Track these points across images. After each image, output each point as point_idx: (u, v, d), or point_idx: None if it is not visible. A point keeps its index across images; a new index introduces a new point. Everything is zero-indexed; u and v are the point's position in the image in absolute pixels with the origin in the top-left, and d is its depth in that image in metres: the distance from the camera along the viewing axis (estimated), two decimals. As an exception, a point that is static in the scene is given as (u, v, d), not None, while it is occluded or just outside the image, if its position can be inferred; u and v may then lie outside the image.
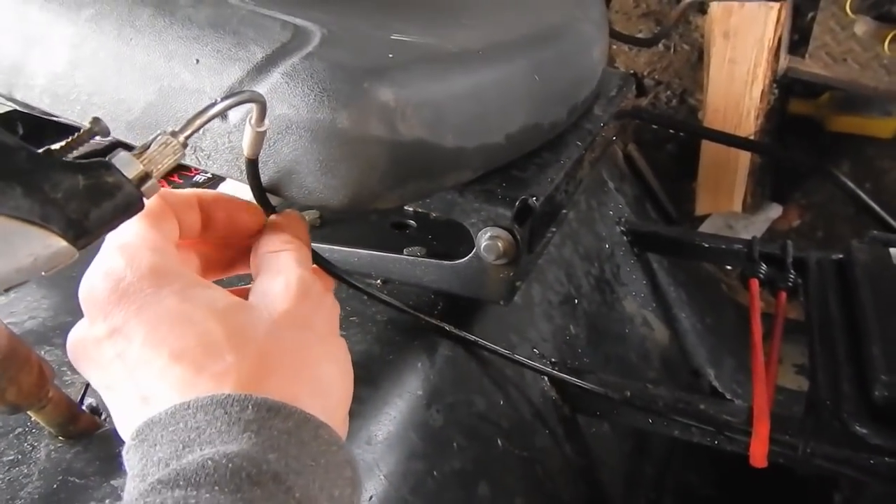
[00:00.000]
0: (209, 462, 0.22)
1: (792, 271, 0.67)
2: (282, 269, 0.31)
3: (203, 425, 0.24)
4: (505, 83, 0.42)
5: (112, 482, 0.33)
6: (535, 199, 0.42)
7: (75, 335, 0.28)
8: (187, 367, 0.25)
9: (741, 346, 0.79)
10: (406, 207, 0.57)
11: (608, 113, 0.61)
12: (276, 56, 0.35)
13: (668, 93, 1.98)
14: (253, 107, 0.30)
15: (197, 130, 0.26)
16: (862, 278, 0.57)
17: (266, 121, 0.31)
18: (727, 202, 1.64)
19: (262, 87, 0.34)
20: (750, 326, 0.56)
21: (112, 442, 0.35)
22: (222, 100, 0.27)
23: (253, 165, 0.34)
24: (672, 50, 1.91)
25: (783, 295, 0.64)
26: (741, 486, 0.58)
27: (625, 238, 0.73)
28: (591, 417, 0.52)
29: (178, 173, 0.69)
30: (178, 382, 0.25)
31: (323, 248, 0.48)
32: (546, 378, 0.48)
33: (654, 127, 1.88)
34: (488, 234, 0.41)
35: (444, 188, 0.40)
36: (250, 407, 0.24)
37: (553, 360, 0.50)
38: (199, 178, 0.69)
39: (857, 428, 0.44)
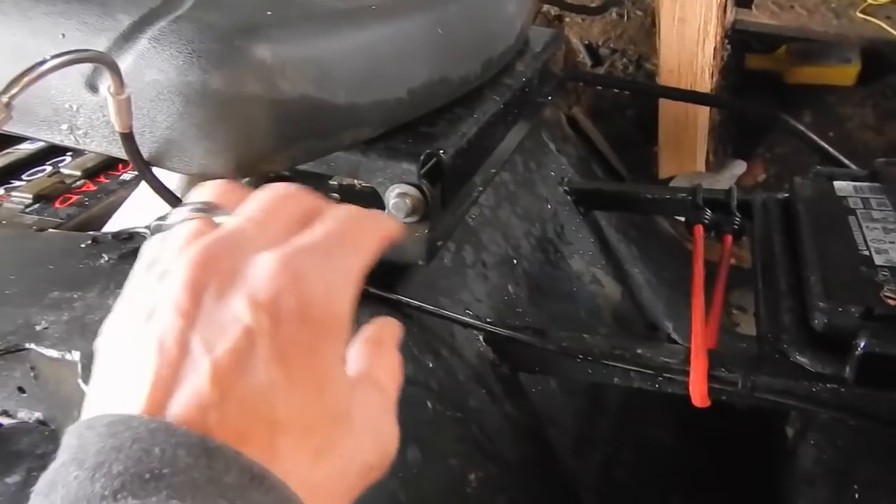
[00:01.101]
0: None
1: (737, 215, 0.66)
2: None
3: (181, 468, 0.21)
4: (402, 38, 0.41)
5: (6, 480, 0.31)
6: (443, 153, 0.41)
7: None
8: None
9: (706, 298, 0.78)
10: (331, 181, 0.56)
11: (532, 69, 0.60)
12: (143, 22, 0.33)
13: (625, 60, 1.97)
14: (108, 74, 0.29)
15: (23, 90, 0.25)
16: (803, 211, 0.56)
17: (126, 88, 0.29)
18: (690, 162, 1.63)
19: (129, 56, 0.33)
20: (692, 270, 0.55)
21: (6, 441, 0.33)
22: (54, 57, 0.26)
23: (128, 139, 0.32)
24: (625, 17, 1.90)
25: (728, 238, 0.64)
26: (699, 434, 0.57)
27: (568, 198, 0.71)
28: (534, 376, 0.51)
29: (105, 173, 0.67)
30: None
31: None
32: (481, 338, 0.47)
33: (613, 93, 1.87)
34: (395, 191, 0.40)
35: (343, 147, 0.39)
36: (234, 470, 0.22)
37: (489, 319, 0.49)
38: (126, 176, 0.67)
39: (798, 357, 0.43)
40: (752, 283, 0.55)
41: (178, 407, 0.22)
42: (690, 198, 0.68)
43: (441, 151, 0.41)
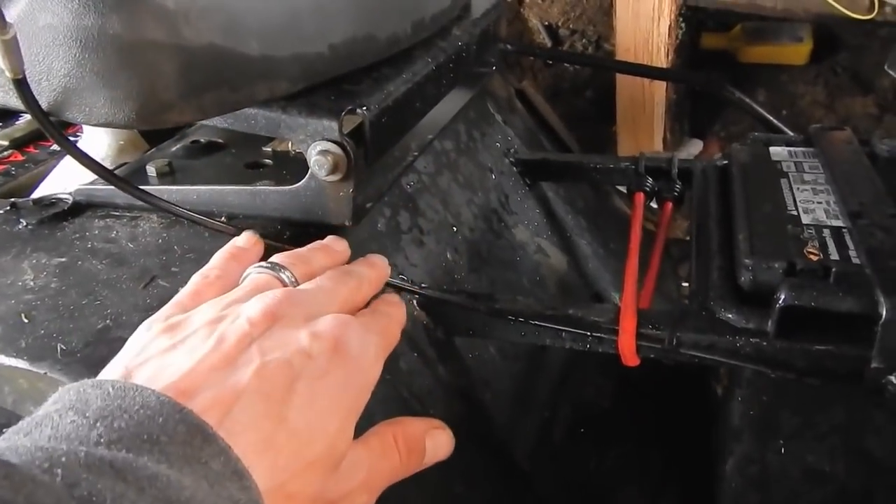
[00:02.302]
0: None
1: (678, 182, 0.66)
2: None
3: (177, 441, 0.23)
4: (322, -10, 0.40)
5: None
6: (366, 110, 0.40)
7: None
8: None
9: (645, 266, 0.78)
10: (265, 147, 0.55)
11: (470, 34, 0.59)
12: (38, -35, 0.32)
13: (584, 41, 1.98)
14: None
15: None
16: (738, 175, 0.57)
17: (11, 27, 0.28)
18: (647, 142, 1.65)
19: (19, 1, 0.31)
20: (629, 234, 0.55)
21: None
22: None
23: (22, 86, 0.31)
24: (584, -2, 1.91)
25: (668, 205, 0.64)
26: (636, 395, 0.57)
27: (514, 169, 0.71)
28: (473, 342, 0.51)
29: (35, 143, 0.65)
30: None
31: (162, 189, 0.45)
32: (415, 301, 0.47)
33: (572, 74, 1.88)
34: (317, 148, 0.39)
35: (257, 100, 0.38)
36: (221, 459, 0.24)
37: (423, 284, 0.48)
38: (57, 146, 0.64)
39: (723, 313, 0.43)
40: (689, 249, 0.55)
41: (209, 393, 0.25)
42: (633, 166, 0.68)
43: (364, 108, 0.40)
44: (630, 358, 0.43)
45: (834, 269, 0.42)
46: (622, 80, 1.63)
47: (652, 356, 0.44)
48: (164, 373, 0.26)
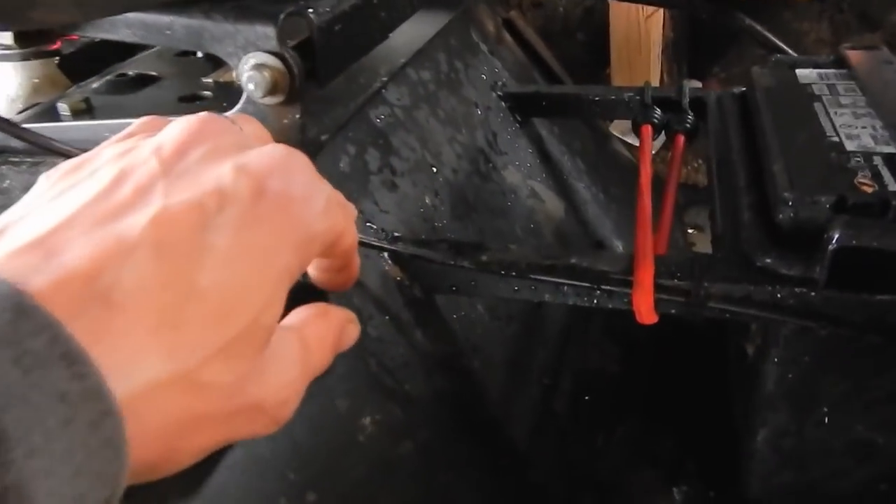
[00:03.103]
0: None
1: (689, 113, 0.58)
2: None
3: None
4: None
5: None
6: (312, 13, 0.32)
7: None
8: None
9: (655, 210, 0.70)
10: (204, 78, 0.46)
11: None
12: None
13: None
14: None
15: None
16: (763, 101, 0.48)
17: None
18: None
19: None
20: (640, 172, 0.47)
21: None
22: None
23: None
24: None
25: (680, 138, 0.56)
26: (648, 358, 0.50)
27: (503, 104, 0.63)
28: (457, 301, 0.43)
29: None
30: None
31: (67, 126, 0.37)
32: (386, 255, 0.39)
33: (563, 15, 1.77)
34: (250, 62, 0.30)
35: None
36: (44, 337, 0.17)
37: (396, 233, 0.40)
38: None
39: (761, 258, 0.35)
40: (708, 188, 0.48)
41: (82, 250, 0.19)
42: (638, 97, 0.60)
43: (311, 11, 0.32)
44: (647, 314, 0.36)
45: (894, 202, 0.35)
46: (616, 19, 1.52)
47: (673, 312, 0.36)
48: (34, 228, 0.20)
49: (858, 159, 0.40)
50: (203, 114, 0.24)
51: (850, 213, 0.35)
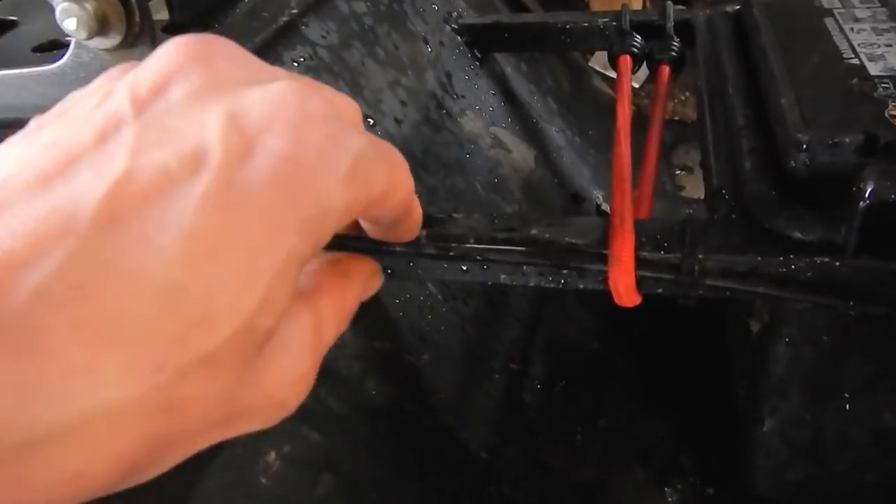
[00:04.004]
0: None
1: (675, 39, 0.50)
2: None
3: None
4: None
5: None
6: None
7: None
8: None
9: (637, 158, 0.62)
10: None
11: None
12: None
13: None
14: None
15: None
16: (762, 17, 0.40)
17: None
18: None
19: None
20: (616, 113, 0.39)
21: None
22: None
23: None
24: None
25: (665, 69, 0.48)
26: (634, 335, 0.43)
27: (459, 38, 0.54)
28: (402, 282, 0.36)
29: None
30: None
31: None
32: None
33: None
34: (67, -10, 0.22)
35: None
36: None
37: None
38: None
39: (769, 219, 0.28)
40: (699, 129, 0.40)
41: (11, 231, 0.14)
42: (615, 23, 0.52)
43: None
44: (627, 296, 0.29)
45: (937, 140, 0.27)
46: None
47: (660, 291, 0.29)
48: None
49: (887, 85, 0.32)
50: (201, 36, 0.18)
51: (881, 156, 0.28)
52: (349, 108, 0.19)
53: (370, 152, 0.18)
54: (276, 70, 0.19)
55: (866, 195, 0.25)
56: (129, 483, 0.16)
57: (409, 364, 0.33)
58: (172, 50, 0.17)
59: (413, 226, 0.25)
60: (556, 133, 0.58)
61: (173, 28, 0.35)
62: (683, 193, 0.79)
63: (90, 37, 0.22)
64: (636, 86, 1.31)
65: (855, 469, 0.34)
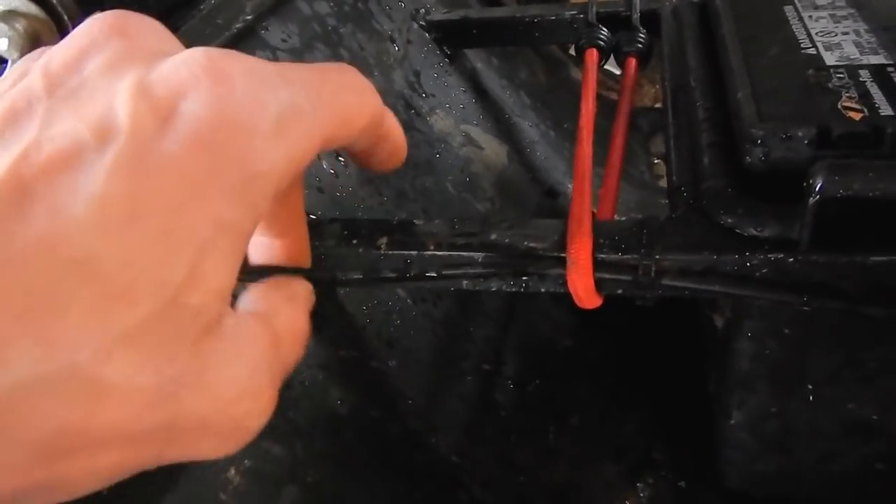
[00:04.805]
0: None
1: (642, 30, 0.50)
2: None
3: None
4: None
5: None
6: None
7: None
8: None
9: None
10: None
11: None
12: None
13: None
14: None
15: None
16: (724, 8, 0.40)
17: None
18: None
19: None
20: (580, 107, 0.39)
21: None
22: None
23: None
24: None
25: (631, 61, 0.48)
26: (607, 329, 0.43)
27: (427, 35, 0.53)
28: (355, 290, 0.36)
29: None
30: None
31: None
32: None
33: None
34: (-1, 10, 0.22)
35: None
36: None
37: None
38: None
39: (724, 217, 0.28)
40: (663, 123, 0.40)
41: None
42: (582, 16, 0.51)
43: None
44: (587, 298, 0.29)
45: (890, 131, 0.27)
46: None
47: (620, 292, 0.29)
48: None
49: (842, 76, 0.32)
50: (119, 11, 0.18)
51: (835, 148, 0.28)
52: (267, 67, 0.18)
53: (302, 102, 0.18)
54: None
55: (816, 190, 0.25)
56: (51, 497, 0.15)
57: (376, 370, 0.33)
58: (88, 25, 0.17)
59: (393, 151, 0.24)
60: (529, 127, 0.58)
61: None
62: (662, 183, 0.79)
63: (22, 56, 0.22)
64: (618, 73, 1.31)
65: (824, 460, 0.34)
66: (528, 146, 0.57)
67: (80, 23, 0.24)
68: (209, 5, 0.35)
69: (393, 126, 0.23)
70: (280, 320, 0.20)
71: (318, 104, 0.19)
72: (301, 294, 0.22)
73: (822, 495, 0.35)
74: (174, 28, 0.34)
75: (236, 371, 0.17)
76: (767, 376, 0.32)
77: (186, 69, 0.16)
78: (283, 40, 0.41)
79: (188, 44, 0.19)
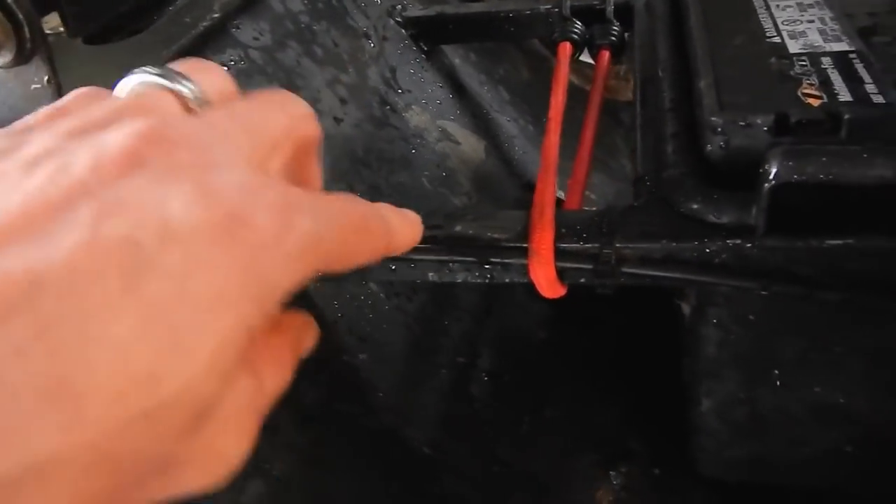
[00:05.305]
0: None
1: (615, 23, 0.50)
2: None
3: None
4: None
5: None
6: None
7: None
8: None
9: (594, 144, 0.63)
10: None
11: None
12: None
13: None
14: None
15: None
16: (694, 1, 0.40)
17: None
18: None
19: None
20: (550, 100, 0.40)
21: None
22: None
23: None
24: None
25: (604, 54, 0.48)
26: (582, 320, 0.44)
27: (403, 31, 0.54)
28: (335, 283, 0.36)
29: None
30: None
31: None
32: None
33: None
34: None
35: None
36: None
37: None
38: None
39: (685, 204, 0.28)
40: (633, 110, 0.40)
41: None
42: (557, 9, 0.51)
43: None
44: (550, 288, 0.29)
45: (846, 116, 0.27)
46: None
47: (583, 281, 0.29)
48: None
49: (804, 63, 0.32)
50: (166, 118, 0.19)
51: (793, 134, 0.28)
52: (301, 195, 0.20)
53: (322, 229, 0.20)
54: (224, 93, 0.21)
55: (771, 176, 0.25)
56: None
57: (347, 364, 0.33)
58: (135, 133, 0.18)
59: (402, 251, 0.26)
60: (508, 122, 0.58)
61: (92, 39, 0.34)
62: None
63: (-21, 59, 0.22)
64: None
65: (794, 444, 0.34)
66: (507, 141, 0.57)
67: (36, 24, 0.24)
68: (178, 5, 0.35)
69: (403, 243, 0.25)
70: (262, 358, 0.21)
71: (334, 236, 0.21)
72: (286, 325, 0.23)
73: (793, 479, 0.36)
74: (140, 28, 0.34)
75: (226, 429, 0.19)
76: (734, 363, 0.32)
77: (242, 186, 0.18)
78: (255, 38, 0.41)
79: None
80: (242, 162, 0.20)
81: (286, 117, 0.23)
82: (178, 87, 0.21)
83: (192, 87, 0.21)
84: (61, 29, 0.34)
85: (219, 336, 0.17)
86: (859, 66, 0.31)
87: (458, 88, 0.56)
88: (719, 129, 0.29)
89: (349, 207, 0.22)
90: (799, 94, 0.30)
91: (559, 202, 0.36)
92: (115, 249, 0.16)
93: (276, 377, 0.21)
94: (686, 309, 0.33)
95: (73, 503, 0.16)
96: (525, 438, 0.37)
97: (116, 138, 0.18)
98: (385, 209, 0.24)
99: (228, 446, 0.19)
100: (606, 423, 0.38)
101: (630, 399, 0.39)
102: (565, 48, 0.47)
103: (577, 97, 0.62)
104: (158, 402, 0.16)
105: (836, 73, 0.31)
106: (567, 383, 0.40)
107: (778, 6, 0.38)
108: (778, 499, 0.36)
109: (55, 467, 0.15)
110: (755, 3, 0.39)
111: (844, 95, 0.29)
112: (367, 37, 0.50)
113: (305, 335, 0.24)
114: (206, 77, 0.22)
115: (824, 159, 0.25)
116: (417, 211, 0.26)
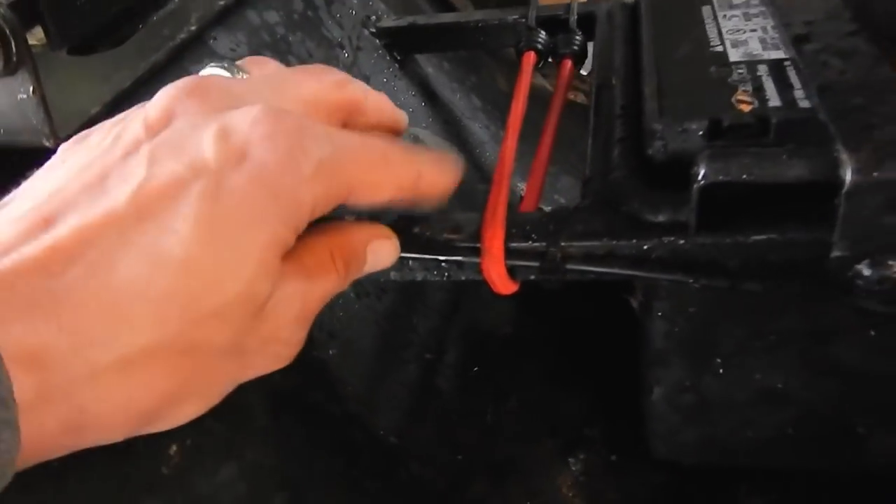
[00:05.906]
0: None
1: (578, 32, 0.52)
2: None
3: None
4: None
5: None
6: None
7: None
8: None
9: (569, 150, 0.64)
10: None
11: None
12: None
13: None
14: None
15: None
16: (647, 9, 0.43)
17: None
18: None
19: None
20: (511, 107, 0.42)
21: None
22: None
23: None
24: None
25: (567, 63, 0.50)
26: (546, 316, 0.46)
27: (377, 41, 0.56)
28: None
29: None
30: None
31: None
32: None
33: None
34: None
35: None
36: None
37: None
38: None
39: (627, 204, 0.30)
40: (587, 117, 0.42)
41: (73, 219, 0.20)
42: (524, 19, 0.54)
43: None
44: (502, 284, 0.31)
45: (774, 120, 0.30)
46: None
47: (533, 278, 0.31)
48: (34, 194, 0.22)
49: (742, 71, 0.34)
50: (197, 76, 0.25)
51: (726, 138, 0.30)
52: (316, 126, 0.24)
53: (339, 156, 0.24)
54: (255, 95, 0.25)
55: (700, 177, 0.27)
56: (157, 424, 0.21)
57: (316, 358, 0.35)
58: (173, 90, 0.24)
59: (437, 195, 0.29)
60: (480, 129, 0.60)
61: (75, 50, 0.36)
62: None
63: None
64: (584, 73, 1.34)
65: (740, 427, 0.36)
66: (478, 147, 0.59)
67: (22, 38, 0.26)
68: (156, 18, 0.37)
69: (435, 185, 0.29)
70: (308, 260, 0.25)
71: (349, 162, 0.24)
72: (355, 233, 0.27)
73: (742, 461, 0.38)
74: (122, 40, 0.36)
75: (282, 313, 0.23)
76: (680, 352, 0.34)
77: (253, 122, 0.22)
78: (232, 49, 0.43)
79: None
80: (264, 104, 0.23)
81: (316, 82, 0.27)
82: (233, 72, 0.26)
83: (244, 74, 0.26)
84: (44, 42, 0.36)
85: (260, 247, 0.21)
86: (791, 73, 0.33)
87: (430, 96, 0.58)
88: (659, 135, 0.31)
89: (370, 142, 0.26)
90: (734, 99, 0.32)
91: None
92: (165, 185, 0.21)
93: (325, 281, 0.25)
94: (634, 303, 0.36)
95: (172, 376, 0.20)
96: (489, 427, 0.39)
97: (159, 97, 0.23)
98: (418, 152, 0.28)
99: (288, 336, 0.24)
100: (566, 413, 0.40)
101: (589, 389, 0.41)
102: (529, 57, 0.49)
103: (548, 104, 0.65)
104: (223, 301, 0.21)
105: (770, 79, 0.33)
106: (530, 375, 0.42)
107: (724, 16, 0.40)
108: (730, 478, 0.38)
109: (155, 351, 0.20)
110: (704, 14, 0.41)
111: (774, 101, 0.31)
112: (342, 47, 0.52)
113: (376, 246, 0.28)
114: (260, 68, 0.27)
115: (747, 161, 0.27)
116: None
